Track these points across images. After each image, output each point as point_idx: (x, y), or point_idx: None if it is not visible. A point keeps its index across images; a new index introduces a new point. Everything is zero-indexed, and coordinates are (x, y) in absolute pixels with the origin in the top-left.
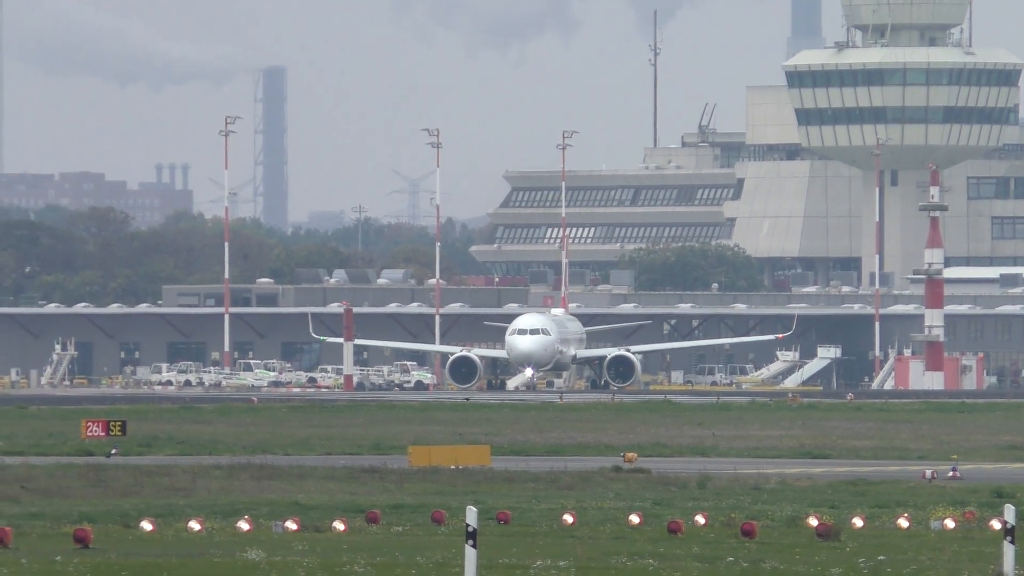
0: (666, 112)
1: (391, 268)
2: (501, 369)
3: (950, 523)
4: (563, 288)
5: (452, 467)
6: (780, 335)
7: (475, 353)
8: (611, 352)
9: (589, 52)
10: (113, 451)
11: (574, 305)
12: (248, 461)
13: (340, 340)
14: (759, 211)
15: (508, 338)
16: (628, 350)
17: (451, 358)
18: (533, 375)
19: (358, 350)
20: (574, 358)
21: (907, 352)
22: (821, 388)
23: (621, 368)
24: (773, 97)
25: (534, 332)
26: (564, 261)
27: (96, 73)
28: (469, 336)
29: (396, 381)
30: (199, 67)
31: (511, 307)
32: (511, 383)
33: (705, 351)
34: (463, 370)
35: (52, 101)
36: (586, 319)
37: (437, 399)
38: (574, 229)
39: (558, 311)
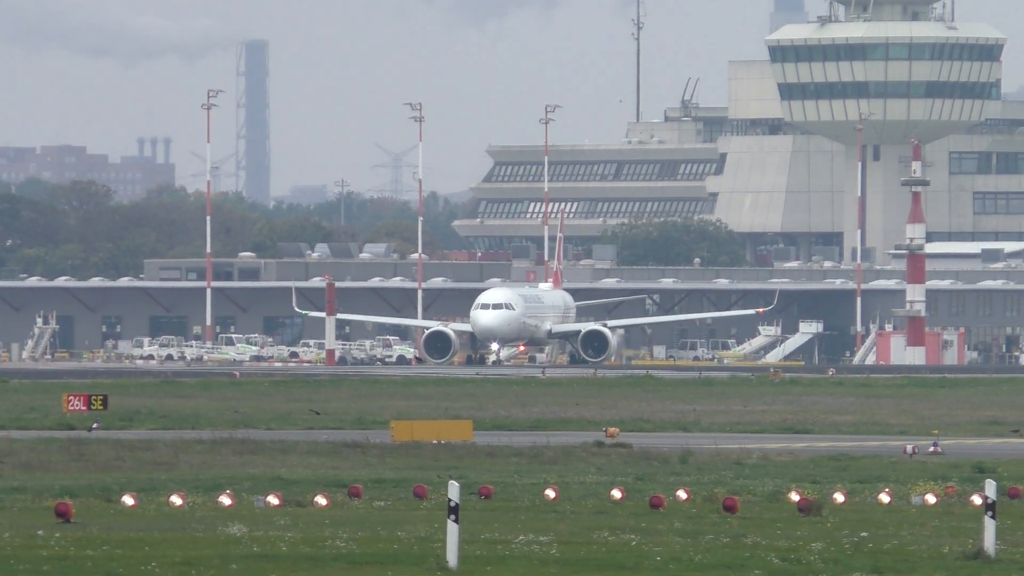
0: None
1: (373, 242)
2: (480, 344)
3: (931, 498)
4: (556, 262)
5: (434, 442)
6: (761, 309)
7: (451, 328)
8: (585, 327)
9: (572, 26)
10: (95, 425)
11: (548, 283)
12: (230, 435)
13: (323, 315)
14: (741, 186)
15: (472, 312)
16: (605, 325)
17: (426, 333)
18: (499, 349)
19: (340, 324)
20: (549, 332)
21: (889, 327)
22: (803, 363)
23: (595, 343)
24: (756, 72)
25: (497, 306)
26: (559, 235)
27: (76, 47)
28: (452, 310)
29: (378, 356)
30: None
31: (493, 281)
32: (492, 358)
33: (687, 326)
34: (438, 344)
35: (33, 74)
36: (570, 294)
37: (419, 373)
38: (557, 204)
39: (545, 285)
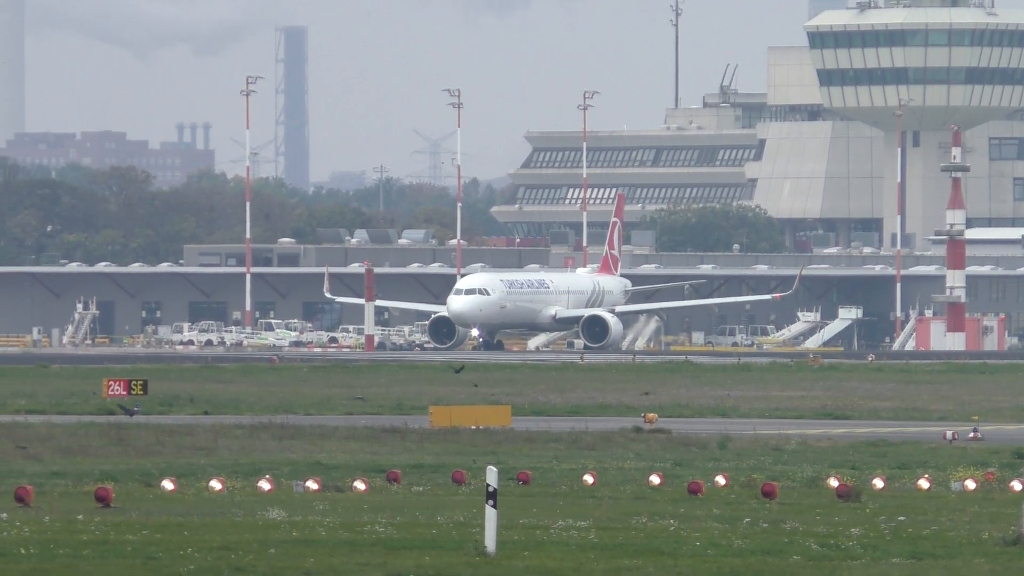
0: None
1: (412, 228)
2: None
3: (971, 484)
4: (607, 247)
5: (473, 427)
6: (778, 295)
7: None
8: (587, 312)
9: (611, 12)
10: (135, 409)
11: (588, 268)
12: (270, 421)
13: (353, 301)
14: (780, 172)
15: (448, 298)
16: (613, 310)
17: (431, 318)
18: (479, 335)
19: (379, 310)
20: (554, 317)
21: (928, 313)
22: (842, 349)
23: (596, 328)
24: (795, 58)
25: (470, 292)
26: (612, 220)
27: (117, 35)
28: None
29: (417, 341)
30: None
31: (532, 268)
32: (532, 343)
33: (726, 312)
34: (443, 330)
35: (75, 61)
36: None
37: (460, 360)
38: (595, 190)
39: (583, 270)
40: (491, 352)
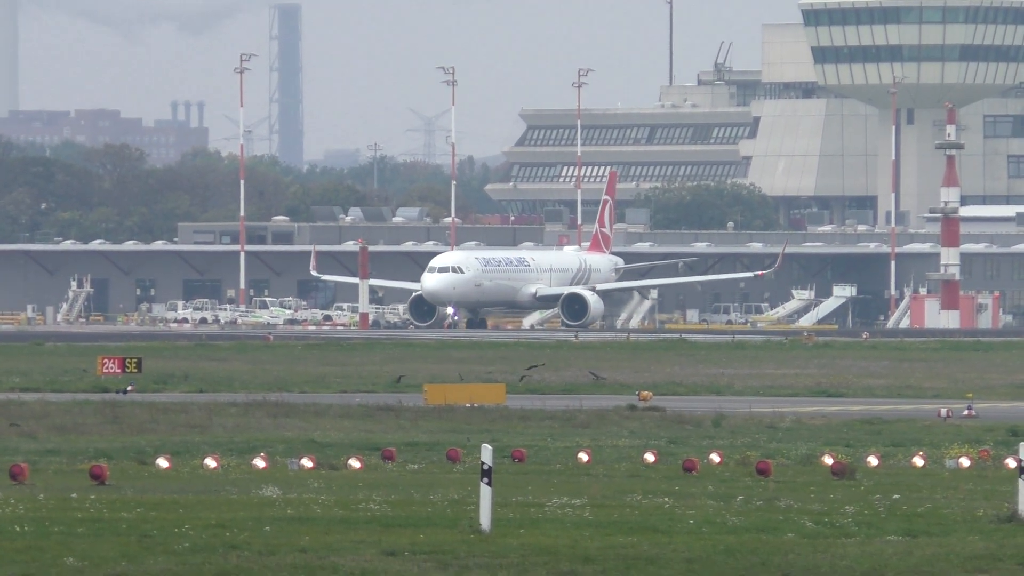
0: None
1: (407, 206)
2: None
3: (965, 462)
4: (598, 225)
5: (467, 405)
6: (761, 272)
7: None
8: (566, 290)
9: None
10: (129, 387)
11: (575, 246)
12: (264, 399)
13: (340, 279)
14: (775, 150)
15: (422, 276)
16: (594, 289)
17: (412, 296)
18: (454, 313)
19: (373, 288)
20: (534, 295)
21: (923, 291)
22: (836, 327)
23: (576, 307)
24: (789, 35)
25: (444, 270)
26: (603, 198)
27: (109, 12)
28: None
29: (411, 319)
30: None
31: (526, 245)
32: (526, 321)
33: (721, 289)
34: (423, 308)
35: (68, 39)
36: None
37: (453, 337)
38: (589, 167)
39: (570, 248)
40: (474, 330)
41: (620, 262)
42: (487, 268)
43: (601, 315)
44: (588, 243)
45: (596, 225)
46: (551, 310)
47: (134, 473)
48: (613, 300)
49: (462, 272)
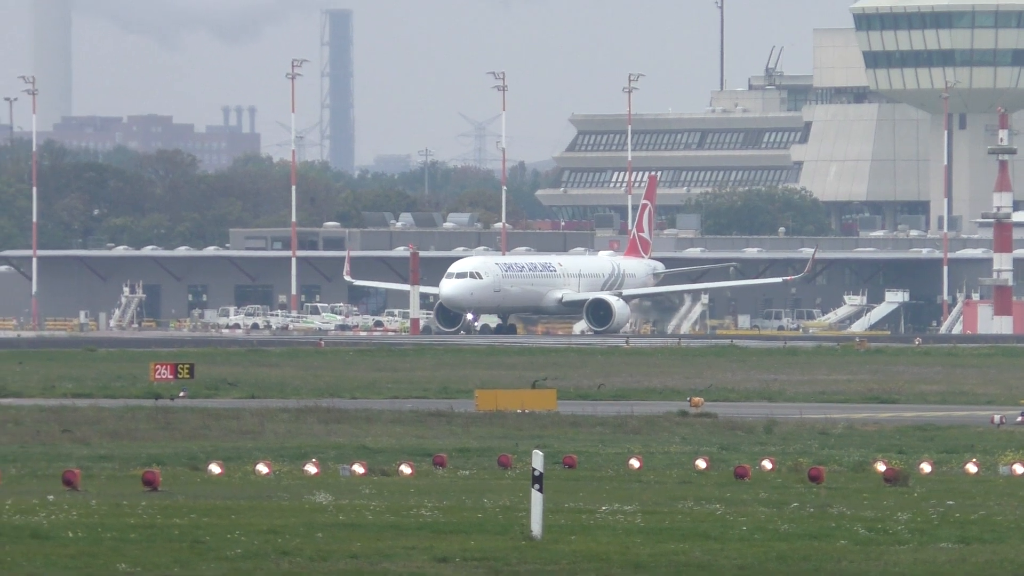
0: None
1: (457, 212)
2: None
3: (1019, 468)
4: (635, 229)
5: (518, 411)
6: (790, 277)
7: None
8: (592, 295)
9: None
10: (181, 393)
11: (609, 251)
12: (315, 404)
13: (372, 284)
14: (826, 155)
15: (441, 281)
16: (620, 294)
17: (436, 301)
18: (474, 319)
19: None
20: (560, 300)
21: (975, 296)
22: (889, 333)
23: (601, 312)
24: (841, 40)
25: (461, 276)
26: (643, 203)
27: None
28: None
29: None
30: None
31: (577, 251)
32: (577, 327)
33: (772, 295)
34: (449, 314)
35: (121, 45)
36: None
37: (503, 343)
38: (640, 173)
39: (604, 253)
40: (503, 336)
41: (659, 267)
42: (508, 273)
43: (627, 321)
44: (610, 249)
45: (633, 229)
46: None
47: (186, 479)
48: (662, 306)
49: (480, 278)
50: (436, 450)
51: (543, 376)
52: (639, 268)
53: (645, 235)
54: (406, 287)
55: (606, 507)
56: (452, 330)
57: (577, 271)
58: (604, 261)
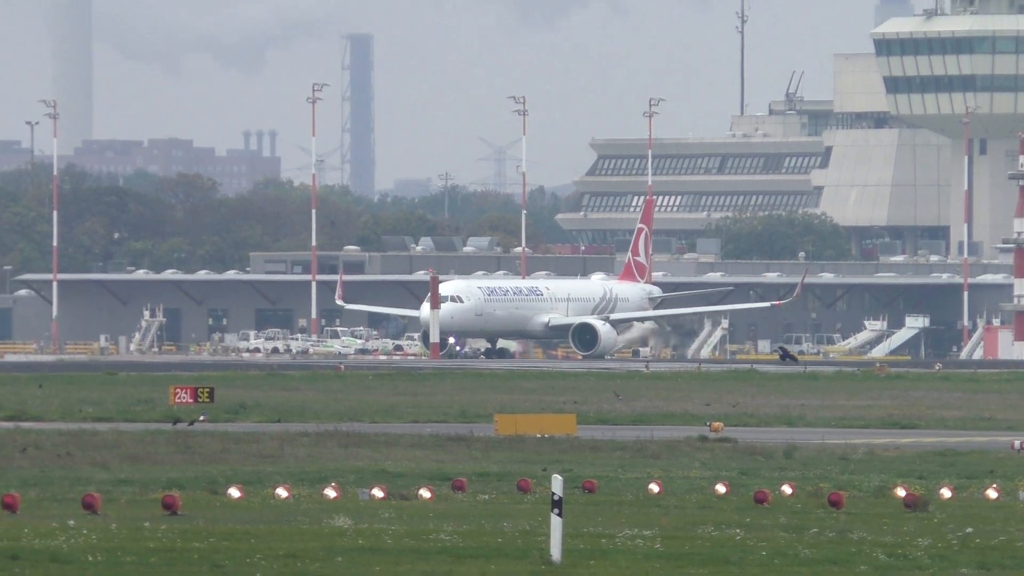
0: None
1: (477, 236)
2: (492, 336)
3: None
4: (639, 253)
5: (538, 436)
6: (778, 302)
7: None
8: (577, 320)
9: (677, 19)
10: (201, 417)
11: (660, 274)
12: (335, 428)
13: (363, 308)
14: (847, 180)
15: (422, 305)
16: (607, 318)
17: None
18: (455, 343)
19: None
20: (547, 324)
21: (996, 322)
22: (909, 358)
23: (587, 336)
24: (861, 65)
25: (442, 300)
26: (638, 226)
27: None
28: None
29: (481, 349)
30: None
31: (598, 275)
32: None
33: (792, 320)
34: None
35: (141, 69)
36: (671, 287)
37: (522, 367)
38: (660, 197)
39: (597, 277)
40: (491, 360)
41: (655, 291)
42: (491, 298)
43: (614, 345)
44: (599, 274)
45: (629, 254)
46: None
47: (206, 503)
48: (683, 330)
49: (461, 301)
50: (455, 474)
51: (617, 392)
52: (633, 292)
53: (641, 259)
54: (401, 311)
55: (626, 532)
56: (440, 354)
57: (566, 295)
58: (595, 285)
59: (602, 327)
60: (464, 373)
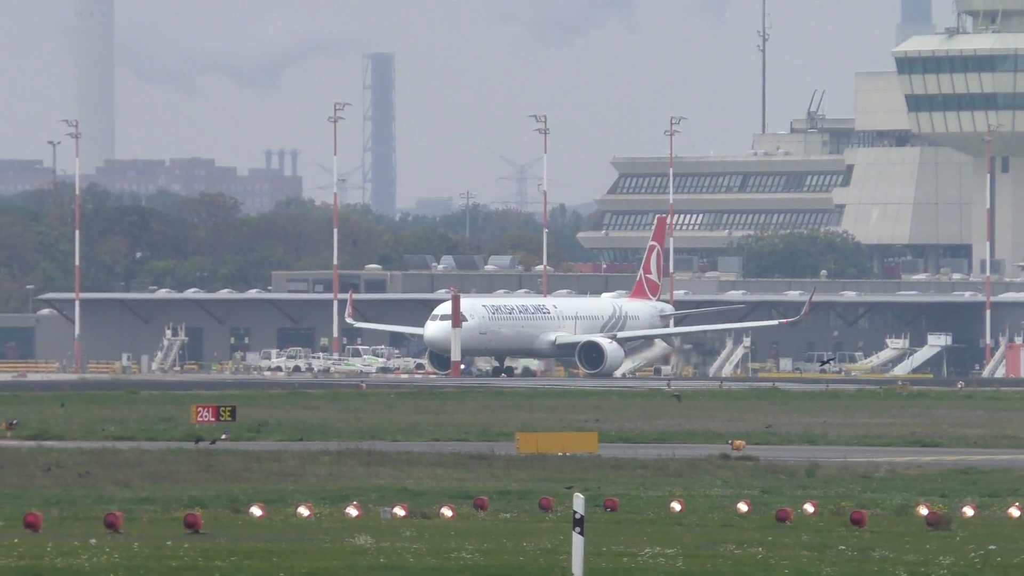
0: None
1: (499, 254)
2: (502, 355)
3: None
4: (650, 271)
5: (560, 454)
6: (786, 320)
7: None
8: (584, 338)
9: (698, 37)
10: (223, 436)
11: (681, 292)
12: (357, 447)
13: (372, 326)
14: (868, 198)
15: (425, 323)
16: (614, 336)
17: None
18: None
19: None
20: (553, 343)
21: (1018, 340)
22: (931, 376)
23: (593, 355)
24: (883, 83)
25: (444, 318)
26: (650, 244)
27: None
28: None
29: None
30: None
31: (607, 294)
32: (618, 371)
33: (814, 338)
34: (444, 356)
35: (162, 89)
36: (693, 305)
37: (545, 386)
38: (682, 216)
39: (607, 295)
40: (498, 379)
41: (667, 309)
42: (496, 316)
43: (621, 363)
44: (629, 290)
45: (640, 271)
46: (644, 358)
47: (228, 521)
48: (704, 348)
49: (465, 320)
50: (477, 493)
51: (676, 392)
52: (643, 310)
53: (652, 277)
54: (411, 329)
55: (648, 550)
56: (445, 372)
57: (573, 313)
58: (605, 303)
59: (608, 345)
60: (485, 392)
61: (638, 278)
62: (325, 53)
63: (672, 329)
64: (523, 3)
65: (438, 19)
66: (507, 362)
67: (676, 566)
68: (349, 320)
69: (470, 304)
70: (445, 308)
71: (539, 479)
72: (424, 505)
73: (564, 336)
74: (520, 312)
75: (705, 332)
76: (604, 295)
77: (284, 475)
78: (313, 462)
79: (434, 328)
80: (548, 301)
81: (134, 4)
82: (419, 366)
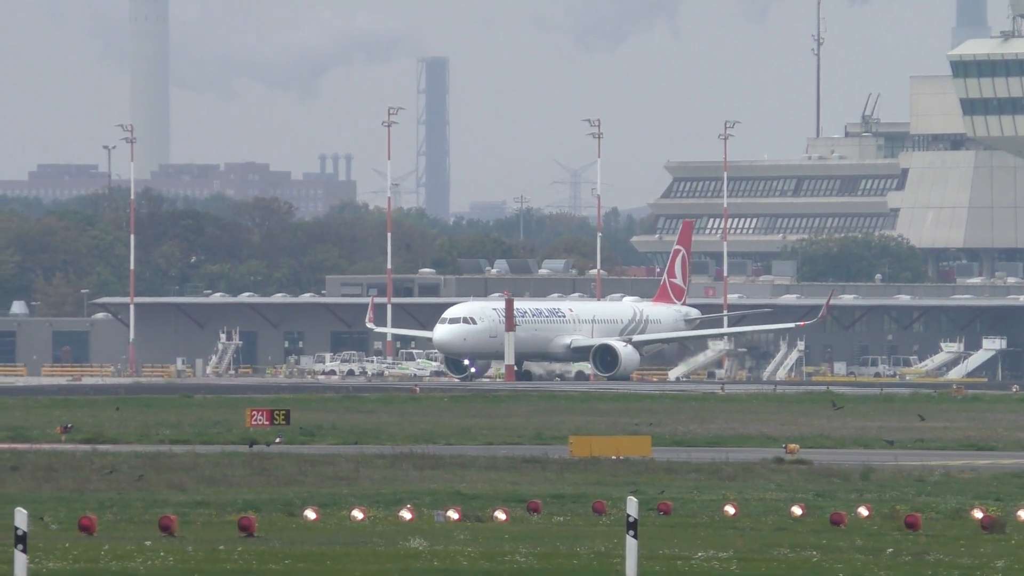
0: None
1: (552, 258)
2: (521, 357)
3: None
4: (675, 275)
5: (613, 457)
6: (802, 323)
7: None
8: (599, 341)
9: (752, 42)
10: (277, 440)
11: (735, 296)
12: (411, 450)
13: (392, 331)
14: (923, 202)
15: (436, 326)
16: (630, 340)
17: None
18: (470, 364)
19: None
20: (569, 346)
21: None
22: (986, 379)
23: (608, 358)
24: (938, 87)
25: (455, 321)
26: (675, 247)
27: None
28: None
29: (557, 371)
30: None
31: (629, 298)
32: (672, 373)
33: (868, 342)
34: (459, 360)
35: (216, 94)
36: (746, 309)
37: (598, 389)
38: (735, 220)
39: (629, 299)
40: (520, 381)
41: (693, 313)
42: (502, 320)
43: (636, 366)
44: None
45: (665, 275)
46: (698, 361)
47: (282, 525)
48: (758, 352)
49: (474, 323)
50: (531, 496)
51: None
52: (666, 314)
53: (677, 281)
54: (427, 333)
55: (701, 554)
56: (461, 376)
57: (591, 316)
58: (625, 307)
59: (623, 349)
60: (539, 395)
61: (662, 282)
62: (377, 58)
63: (688, 332)
64: (562, 10)
65: (480, 26)
66: (525, 365)
67: (730, 570)
68: (369, 324)
69: (480, 307)
70: (455, 311)
71: (592, 483)
72: (478, 508)
73: (579, 339)
74: (534, 315)
75: (722, 336)
76: (625, 299)
77: (338, 478)
78: (367, 465)
79: (443, 331)
80: (564, 304)
81: (186, 10)
82: (437, 372)
